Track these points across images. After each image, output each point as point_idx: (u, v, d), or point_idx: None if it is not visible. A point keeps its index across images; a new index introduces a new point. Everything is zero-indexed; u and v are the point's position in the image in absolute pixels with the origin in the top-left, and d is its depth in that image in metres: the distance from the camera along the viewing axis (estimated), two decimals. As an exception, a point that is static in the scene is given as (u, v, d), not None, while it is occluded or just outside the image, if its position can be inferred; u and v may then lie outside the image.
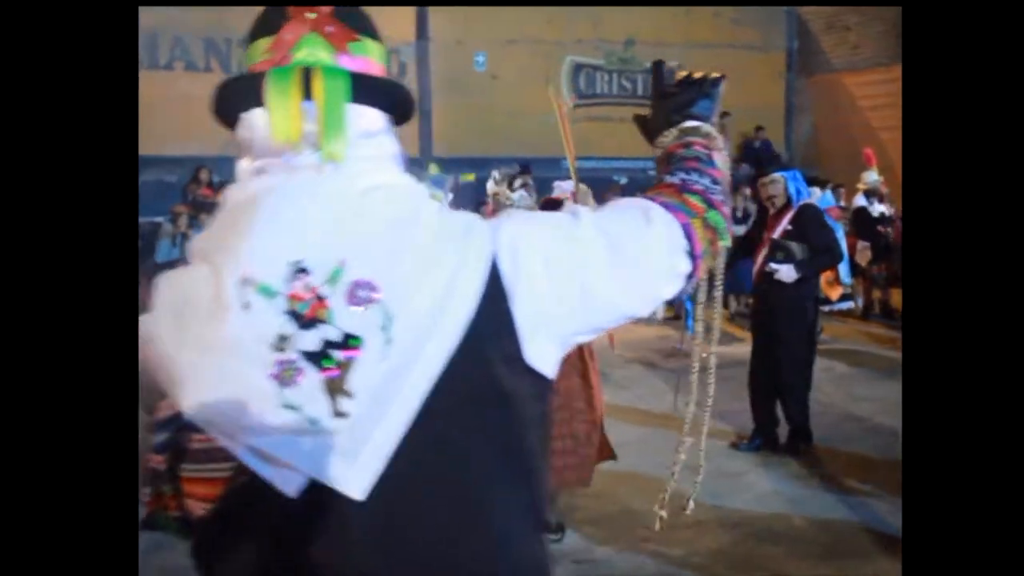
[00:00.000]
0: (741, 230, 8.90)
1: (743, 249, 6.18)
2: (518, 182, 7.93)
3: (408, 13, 14.90)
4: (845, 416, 6.67)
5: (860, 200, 11.42)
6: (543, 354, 1.33)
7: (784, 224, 5.75)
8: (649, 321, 10.16)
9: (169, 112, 13.06)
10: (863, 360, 8.63)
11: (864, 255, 10.97)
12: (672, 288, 1.43)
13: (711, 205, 1.47)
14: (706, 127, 1.64)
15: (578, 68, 16.22)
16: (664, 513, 1.82)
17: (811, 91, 17.35)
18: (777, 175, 5.82)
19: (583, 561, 4.30)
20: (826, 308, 9.93)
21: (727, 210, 1.51)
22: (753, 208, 10.06)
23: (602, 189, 14.23)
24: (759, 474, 5.52)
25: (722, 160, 1.60)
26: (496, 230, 1.33)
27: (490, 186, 9.16)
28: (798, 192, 5.79)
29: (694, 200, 1.46)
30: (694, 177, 1.51)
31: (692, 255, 1.42)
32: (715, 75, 1.73)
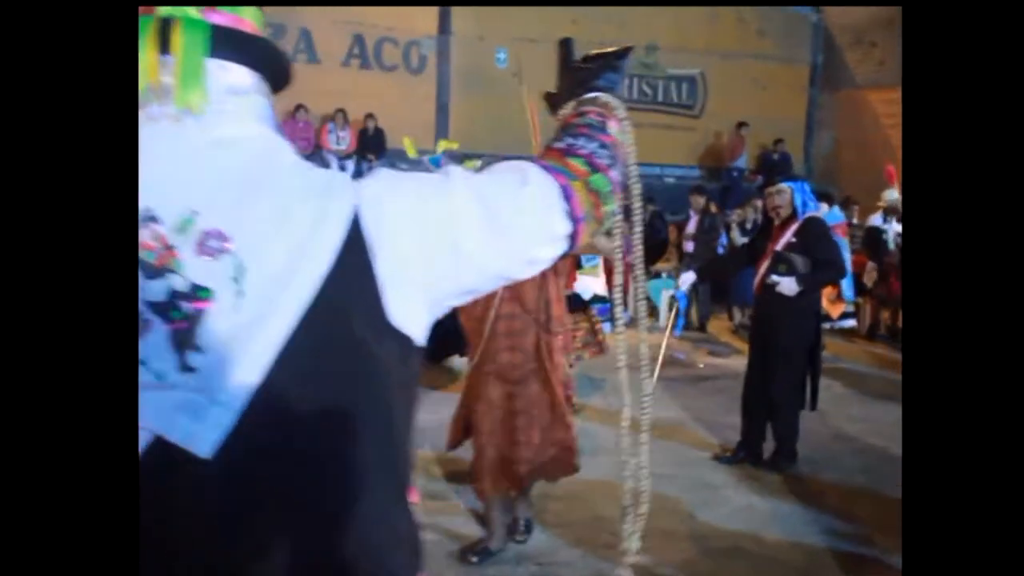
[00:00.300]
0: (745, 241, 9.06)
1: (746, 259, 6.29)
2: None
3: (431, 7, 15.09)
4: (835, 436, 6.79)
5: (876, 219, 11.44)
6: (408, 314, 1.30)
7: (788, 236, 5.75)
8: (651, 329, 10.32)
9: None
10: (863, 381, 8.76)
11: (871, 275, 11.08)
12: (551, 251, 1.40)
13: (595, 168, 1.44)
14: (604, 97, 1.63)
15: (599, 71, 16.34)
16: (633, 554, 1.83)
17: (834, 106, 17.44)
18: (784, 185, 5.84)
19: (546, 563, 4.40)
20: (827, 325, 10.08)
21: (615, 174, 1.48)
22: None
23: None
24: (737, 488, 5.59)
25: (618, 128, 1.59)
26: (361, 186, 1.32)
27: None
28: (804, 204, 5.80)
29: (576, 163, 1.44)
30: (581, 142, 1.49)
31: (572, 217, 1.38)
32: (621, 48, 1.72)
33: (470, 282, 1.36)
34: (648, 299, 11.93)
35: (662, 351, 6.54)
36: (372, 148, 14.12)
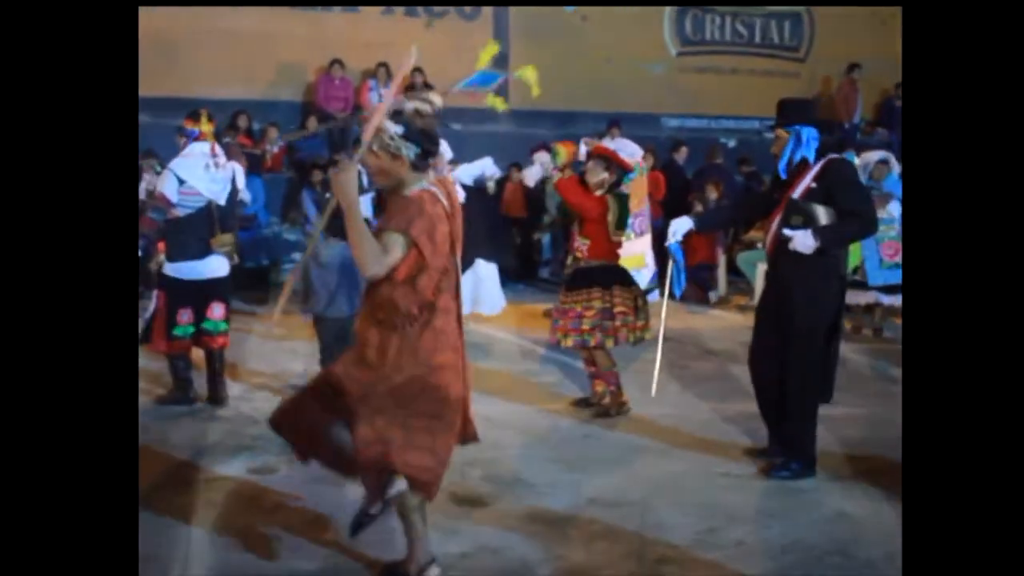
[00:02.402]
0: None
1: (760, 209, 5.75)
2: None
3: (487, -58, 14.85)
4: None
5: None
6: None
7: (807, 181, 5.25)
8: (745, 308, 9.94)
9: (209, 51, 13.29)
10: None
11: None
12: None
13: None
14: None
15: (685, 9, 15.92)
16: None
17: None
18: (781, 131, 5.34)
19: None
20: (886, 300, 9.36)
21: None
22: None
23: (704, 152, 14.04)
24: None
25: None
26: None
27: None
28: (791, 157, 5.29)
29: None
30: None
31: None
32: None
33: None
34: (739, 273, 11.59)
35: (662, 321, 6.08)
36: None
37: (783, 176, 5.38)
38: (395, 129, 3.79)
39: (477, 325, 8.94)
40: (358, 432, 3.86)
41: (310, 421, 4.04)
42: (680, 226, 5.68)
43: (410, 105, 3.96)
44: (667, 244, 5.75)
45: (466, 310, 8.46)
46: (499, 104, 4.62)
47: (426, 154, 3.86)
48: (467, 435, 4.24)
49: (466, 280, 8.46)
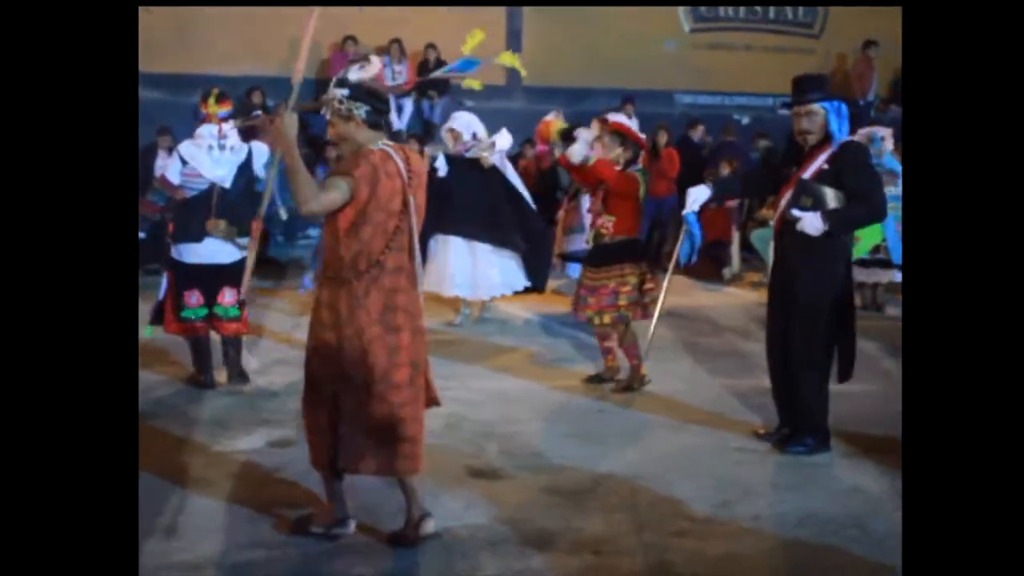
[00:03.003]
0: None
1: (768, 185, 5.75)
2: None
3: (499, -87, 14.76)
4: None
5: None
6: None
7: (819, 162, 5.24)
8: (758, 285, 9.93)
9: (223, 28, 13.30)
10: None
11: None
12: None
13: None
14: None
15: (698, -15, 15.85)
16: None
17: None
18: (817, 106, 5.28)
19: (605, 552, 4.16)
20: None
21: None
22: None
23: (718, 129, 14.01)
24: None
25: None
26: None
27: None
28: (840, 131, 5.28)
29: None
30: None
31: None
32: None
33: None
34: (753, 250, 11.58)
35: (663, 290, 6.11)
36: (433, 84, 13.90)
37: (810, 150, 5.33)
38: (342, 92, 4.05)
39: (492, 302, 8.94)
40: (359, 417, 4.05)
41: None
42: (699, 194, 5.66)
43: (353, 71, 4.16)
44: (684, 213, 5.75)
45: (464, 292, 8.47)
46: (476, 85, 4.79)
47: (377, 112, 4.09)
48: (431, 399, 4.38)
49: (462, 260, 8.43)
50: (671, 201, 12.75)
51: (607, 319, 6.46)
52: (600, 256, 6.51)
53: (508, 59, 5.84)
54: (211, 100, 6.38)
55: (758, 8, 15.99)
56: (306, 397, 4.19)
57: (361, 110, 4.03)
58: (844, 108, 5.31)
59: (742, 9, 15.94)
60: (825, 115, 5.26)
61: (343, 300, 4.03)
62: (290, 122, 3.93)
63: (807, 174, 5.24)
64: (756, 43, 15.93)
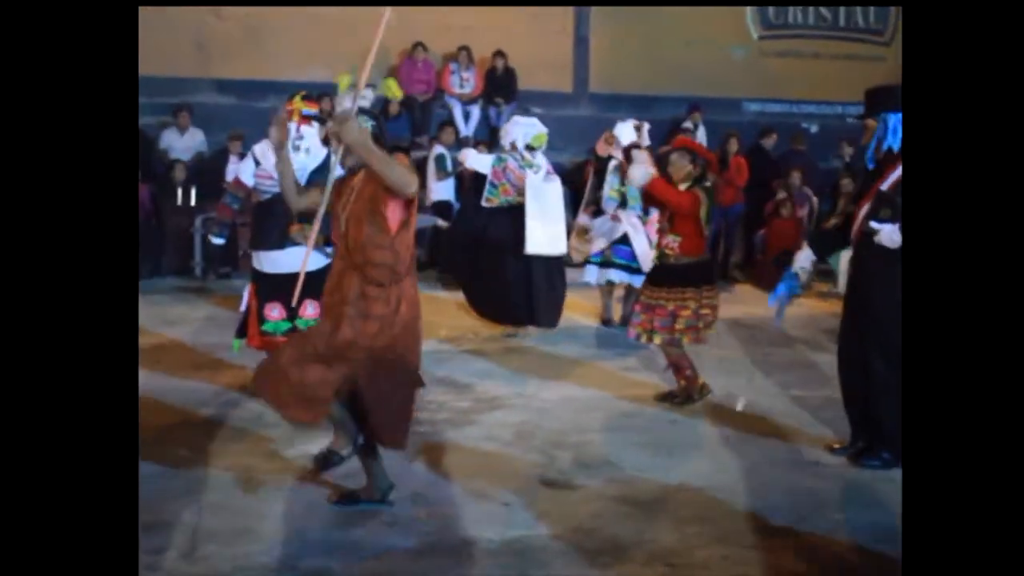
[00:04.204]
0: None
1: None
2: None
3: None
4: None
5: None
6: None
7: (898, 173, 5.04)
8: (827, 295, 9.85)
9: (294, 34, 13.47)
10: None
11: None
12: None
13: None
14: None
15: (768, -7, 15.73)
16: None
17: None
18: (869, 120, 5.22)
19: (680, 564, 4.13)
20: None
21: None
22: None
23: (787, 137, 13.89)
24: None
25: None
26: None
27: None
28: (877, 146, 5.20)
29: None
30: None
31: None
32: None
33: None
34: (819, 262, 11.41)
35: None
36: (501, 91, 13.96)
37: (870, 166, 5.32)
38: (352, 105, 4.44)
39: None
40: (376, 392, 4.38)
41: (314, 382, 4.36)
42: (804, 261, 5.72)
43: (347, 100, 4.59)
44: (792, 270, 5.71)
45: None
46: (394, 90, 5.98)
47: (380, 128, 4.46)
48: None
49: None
50: (737, 209, 12.70)
51: (657, 340, 6.41)
52: (663, 276, 6.41)
53: (389, 84, 6.46)
54: (297, 98, 5.91)
55: (828, 14, 15.83)
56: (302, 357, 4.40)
57: (368, 124, 4.38)
58: (898, 121, 5.13)
59: (812, 16, 15.78)
60: (874, 129, 5.22)
61: (394, 296, 4.39)
62: (353, 123, 4.18)
63: (886, 185, 5.17)
64: (825, 51, 15.75)
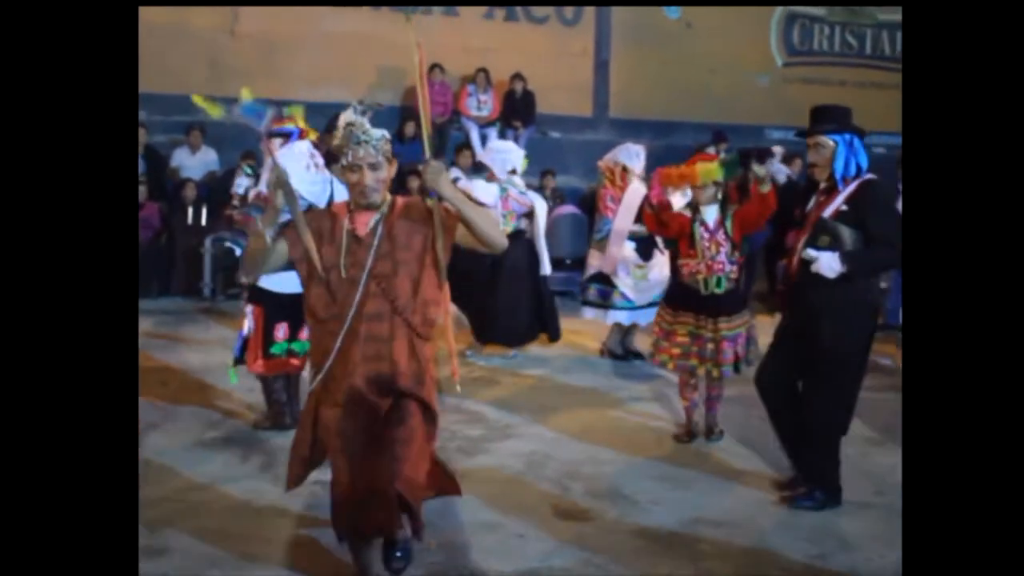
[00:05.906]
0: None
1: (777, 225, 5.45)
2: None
3: (591, -53, 14.87)
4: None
5: None
6: None
7: (839, 202, 4.97)
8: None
9: (309, 53, 13.54)
10: None
11: None
12: None
13: None
14: None
15: (792, 18, 15.77)
16: None
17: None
18: (826, 138, 5.00)
19: None
20: None
21: None
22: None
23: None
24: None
25: None
26: None
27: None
28: (847, 167, 4.97)
29: None
30: None
31: None
32: None
33: None
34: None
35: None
36: (520, 114, 13.99)
37: (840, 186, 5.04)
38: (383, 133, 3.90)
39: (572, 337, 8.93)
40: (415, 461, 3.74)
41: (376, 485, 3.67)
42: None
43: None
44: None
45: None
46: (215, 110, 4.53)
47: (391, 154, 3.95)
48: None
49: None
50: (761, 238, 12.62)
51: (671, 366, 6.32)
52: (681, 301, 6.26)
53: (296, 114, 6.17)
54: (299, 116, 6.02)
55: (854, 41, 15.84)
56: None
57: (385, 143, 3.92)
58: (858, 142, 5.03)
59: (837, 43, 15.81)
60: (835, 149, 5.00)
61: (422, 352, 3.82)
62: (438, 168, 3.70)
63: (826, 213, 5.01)
64: (851, 78, 15.76)
